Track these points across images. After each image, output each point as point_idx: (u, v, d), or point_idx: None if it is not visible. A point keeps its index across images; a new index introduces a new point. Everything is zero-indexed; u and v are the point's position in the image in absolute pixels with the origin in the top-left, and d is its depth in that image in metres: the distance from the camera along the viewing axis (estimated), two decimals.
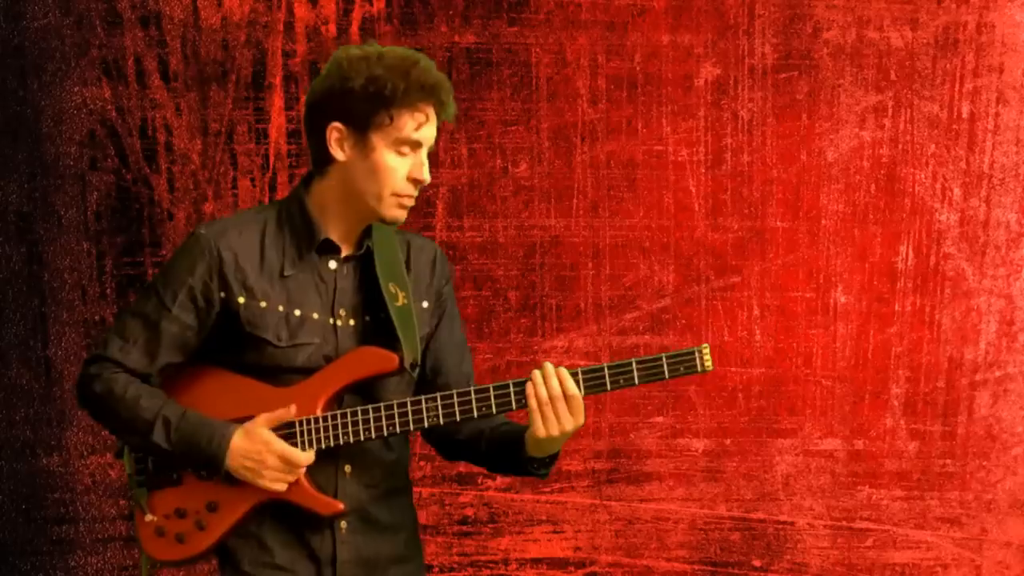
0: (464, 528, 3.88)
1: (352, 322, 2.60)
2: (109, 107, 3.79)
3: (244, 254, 2.57)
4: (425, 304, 2.67)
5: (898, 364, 3.85)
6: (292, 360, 2.57)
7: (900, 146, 3.83)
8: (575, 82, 3.82)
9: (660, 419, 3.87)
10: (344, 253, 2.61)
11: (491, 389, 2.53)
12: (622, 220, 3.83)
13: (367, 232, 2.62)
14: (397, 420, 2.54)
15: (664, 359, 2.49)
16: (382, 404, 2.55)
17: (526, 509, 3.88)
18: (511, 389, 2.52)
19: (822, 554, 3.88)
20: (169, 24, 3.78)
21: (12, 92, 3.77)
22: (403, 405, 2.54)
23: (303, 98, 3.78)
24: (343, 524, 2.60)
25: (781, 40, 3.81)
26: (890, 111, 3.82)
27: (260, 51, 3.81)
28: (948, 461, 3.87)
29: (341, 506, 2.55)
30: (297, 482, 2.54)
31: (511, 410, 2.52)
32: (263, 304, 2.56)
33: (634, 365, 2.49)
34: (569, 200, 3.84)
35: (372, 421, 2.54)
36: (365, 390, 2.59)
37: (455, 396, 2.54)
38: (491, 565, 3.88)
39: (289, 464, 2.52)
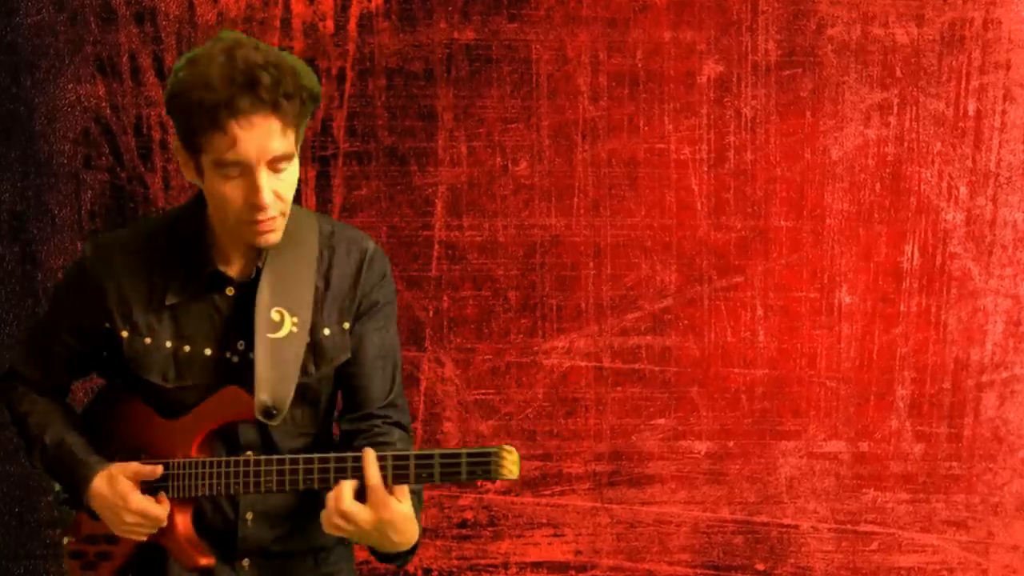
0: (463, 532, 3.87)
1: (251, 355, 2.38)
2: (103, 104, 3.78)
3: (129, 282, 2.39)
4: (346, 325, 2.44)
5: (903, 365, 3.85)
6: (183, 400, 2.41)
7: (905, 144, 3.82)
8: (576, 79, 3.81)
9: (662, 421, 3.86)
10: (239, 278, 2.39)
11: (300, 462, 2.32)
12: (623, 219, 3.82)
13: (260, 254, 2.38)
14: (241, 480, 2.37)
15: (463, 456, 2.26)
16: (264, 458, 2.35)
17: (526, 512, 3.87)
18: (315, 468, 2.31)
19: (826, 558, 3.88)
20: (164, 20, 3.77)
21: (5, 89, 3.77)
22: (246, 464, 2.36)
23: None
24: (245, 562, 2.49)
25: (785, 36, 3.81)
26: (895, 108, 3.82)
27: None
28: (954, 463, 3.86)
29: (209, 561, 2.42)
30: (171, 527, 2.43)
31: (328, 489, 2.32)
32: (147, 340, 2.39)
33: (436, 459, 2.25)
34: (570, 199, 3.83)
35: (241, 475, 2.37)
36: (258, 430, 2.43)
37: (287, 463, 2.34)
38: (491, 569, 3.87)
39: (149, 519, 2.40)
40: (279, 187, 2.25)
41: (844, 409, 3.85)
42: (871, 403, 3.85)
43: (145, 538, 2.43)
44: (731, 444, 3.86)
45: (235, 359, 2.40)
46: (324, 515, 2.28)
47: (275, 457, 2.35)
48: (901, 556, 3.87)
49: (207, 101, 2.16)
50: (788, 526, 3.87)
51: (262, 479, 2.34)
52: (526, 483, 3.84)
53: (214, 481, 2.38)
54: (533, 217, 3.82)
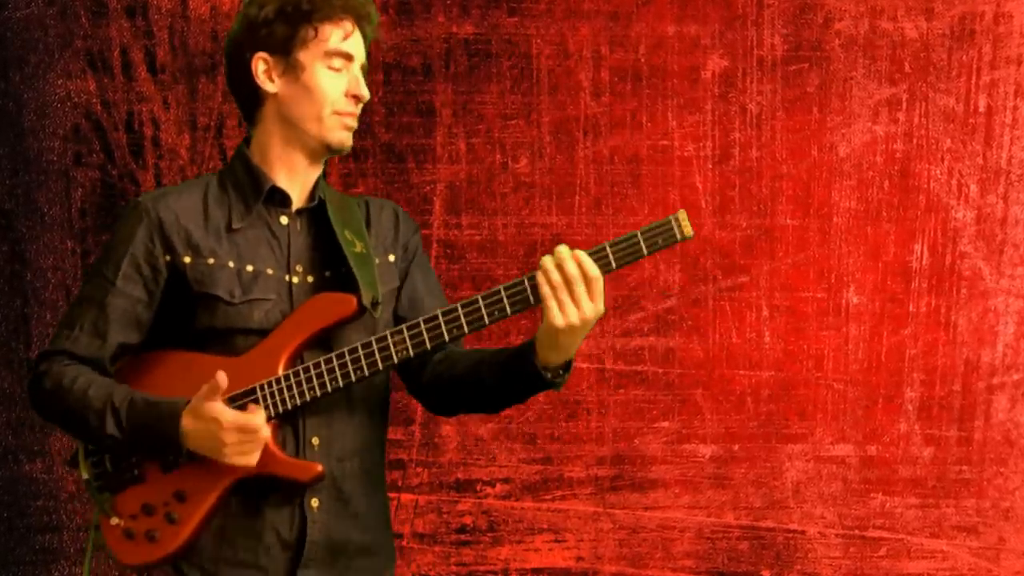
0: (462, 537, 3.85)
1: (310, 279, 2.52)
2: (94, 100, 3.78)
3: (186, 213, 2.50)
4: (391, 257, 2.60)
5: (912, 367, 3.83)
6: (247, 319, 2.47)
7: (914, 141, 3.81)
8: (577, 74, 3.81)
9: (666, 424, 3.84)
10: (296, 206, 2.54)
11: (480, 299, 2.40)
12: (626, 217, 3.82)
13: (318, 183, 2.56)
14: (364, 361, 2.43)
15: (639, 235, 2.38)
16: (345, 349, 2.44)
17: (526, 517, 3.85)
18: (503, 294, 2.39)
19: (833, 564, 3.86)
20: (156, 14, 3.78)
21: None
22: (368, 345, 2.43)
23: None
24: (314, 502, 2.48)
25: (791, 31, 3.80)
26: (904, 104, 3.81)
27: None
28: (964, 467, 3.85)
29: (320, 467, 2.44)
30: (268, 452, 2.42)
31: (484, 325, 2.39)
32: (211, 261, 2.48)
33: (608, 249, 2.36)
34: (571, 197, 3.82)
35: (338, 368, 2.43)
36: (328, 345, 2.48)
37: (421, 323, 2.41)
38: (490, 575, 3.85)
39: (248, 432, 2.38)
40: (366, 91, 2.53)
41: (852, 412, 3.84)
42: (879, 406, 3.84)
43: (255, 456, 2.39)
44: (736, 447, 3.85)
45: (295, 279, 2.50)
46: (542, 278, 2.35)
47: (405, 325, 2.43)
48: (910, 562, 3.86)
49: None
50: (794, 531, 3.86)
51: (392, 350, 2.41)
52: (526, 487, 3.84)
53: (333, 375, 2.43)
54: (533, 216, 3.82)
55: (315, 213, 2.54)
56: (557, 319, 2.34)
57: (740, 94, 3.80)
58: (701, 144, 3.81)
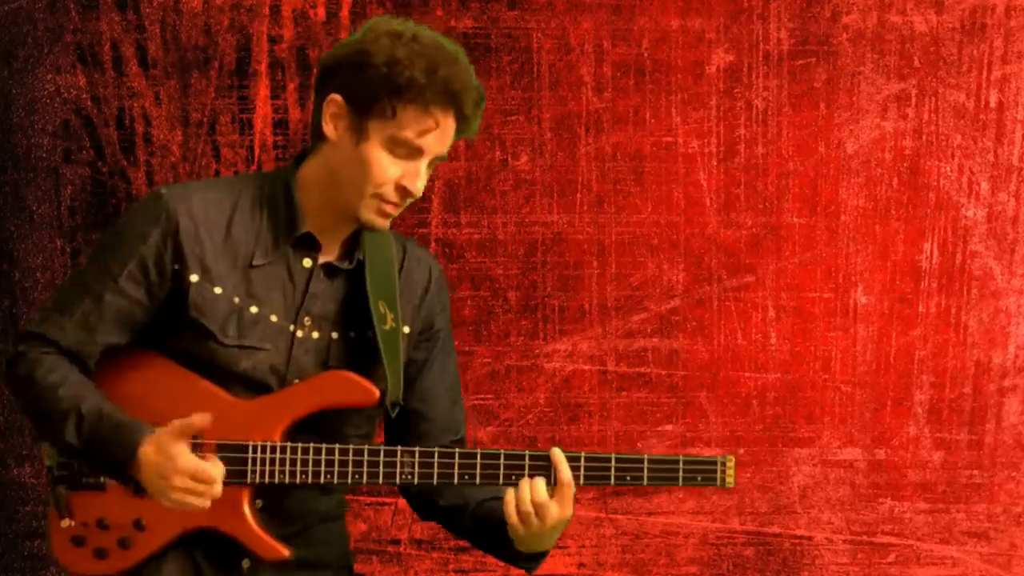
0: (461, 543, 3.70)
1: (316, 335, 2.38)
2: (84, 96, 3.76)
3: (207, 226, 2.34)
4: (407, 329, 2.44)
5: (922, 369, 3.82)
6: (234, 364, 2.34)
7: (924, 137, 3.80)
8: (579, 69, 3.79)
9: (669, 427, 3.83)
10: (325, 256, 2.39)
11: (478, 456, 2.32)
12: (629, 216, 3.81)
13: (355, 239, 2.40)
14: (366, 469, 2.33)
15: (681, 463, 2.36)
16: (351, 448, 2.33)
17: None
18: (501, 463, 2.32)
19: (841, 570, 3.84)
20: (148, 8, 3.76)
21: None
22: (375, 453, 2.33)
23: (290, 86, 3.75)
24: (245, 563, 2.37)
25: (798, 24, 3.79)
26: (913, 100, 3.80)
27: (244, 36, 3.78)
28: (975, 472, 3.83)
29: (287, 552, 2.34)
30: (241, 515, 2.33)
31: (497, 485, 2.34)
32: (217, 290, 2.33)
33: (645, 463, 2.34)
34: (572, 195, 3.81)
35: (338, 465, 2.32)
36: (320, 421, 2.36)
37: (436, 456, 2.33)
38: None
39: (200, 481, 2.27)
40: (423, 187, 2.36)
41: (860, 415, 3.83)
42: (888, 408, 3.83)
43: (198, 507, 2.28)
44: (742, 451, 3.83)
45: (300, 333, 2.37)
46: (510, 503, 2.31)
47: (420, 449, 2.35)
48: (919, 569, 3.84)
49: (434, 84, 2.27)
50: (801, 537, 3.85)
51: (397, 470, 2.33)
52: None
53: (331, 469, 2.33)
54: (534, 214, 3.81)
55: (352, 273, 2.40)
56: (519, 529, 2.32)
57: (746, 89, 3.79)
58: (706, 140, 3.80)
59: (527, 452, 2.33)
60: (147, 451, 2.27)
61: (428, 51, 2.30)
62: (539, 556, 2.42)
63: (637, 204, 3.80)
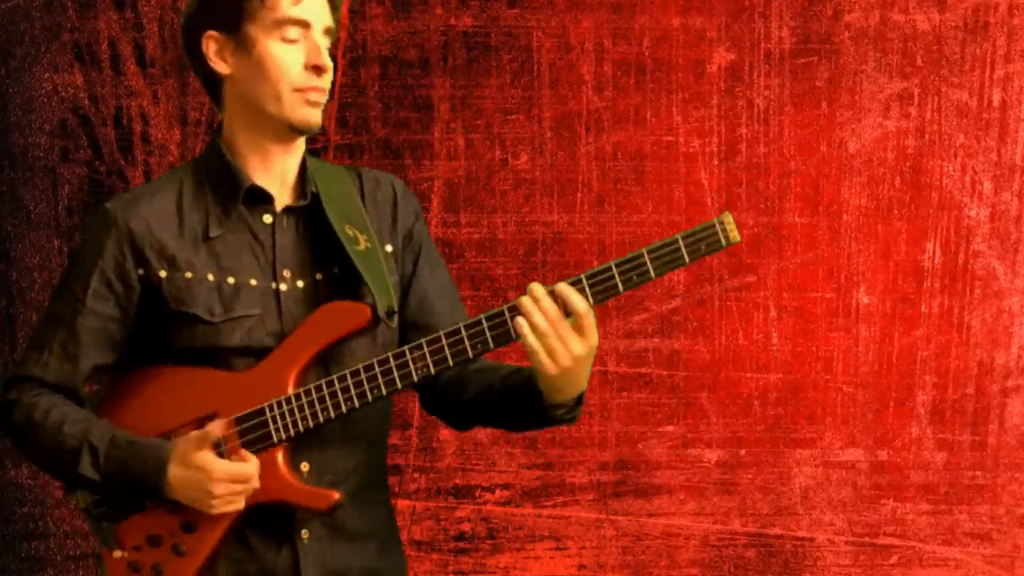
0: (461, 545, 3.83)
1: (300, 283, 2.36)
2: (82, 95, 3.76)
3: (159, 222, 2.34)
4: (389, 248, 2.43)
5: (924, 369, 3.81)
6: (228, 338, 2.32)
7: (926, 136, 3.80)
8: (579, 68, 3.79)
9: (670, 428, 3.83)
10: (281, 202, 2.37)
11: (483, 320, 2.25)
12: (629, 215, 3.81)
13: (304, 175, 2.38)
14: (381, 380, 2.28)
15: (680, 240, 2.19)
16: (361, 366, 2.29)
17: (527, 524, 3.84)
18: (507, 317, 2.24)
19: (843, 572, 3.84)
20: (145, 6, 3.76)
21: None
22: (384, 362, 2.28)
23: None
24: (304, 532, 2.35)
25: (799, 23, 3.78)
26: (916, 99, 3.79)
27: None
28: (978, 473, 3.83)
29: (337, 495, 2.31)
30: (282, 478, 2.31)
31: (512, 340, 2.27)
32: (188, 275, 2.32)
33: (646, 255, 2.20)
34: (573, 194, 3.81)
35: (353, 387, 2.28)
36: (335, 363, 2.34)
37: (443, 338, 2.27)
38: None
39: (240, 481, 2.27)
40: (330, 61, 2.34)
41: (862, 416, 3.82)
42: (890, 409, 3.82)
43: (242, 505, 2.27)
44: (743, 452, 3.83)
45: (283, 287, 2.36)
46: (528, 335, 2.22)
47: (426, 339, 2.29)
48: (922, 570, 3.84)
49: None
50: (803, 539, 3.85)
51: (411, 367, 2.27)
52: (526, 494, 3.82)
53: (348, 395, 2.30)
54: (534, 213, 3.81)
55: (310, 210, 2.37)
56: (548, 367, 2.23)
57: (747, 88, 3.79)
58: (707, 140, 3.80)
59: (489, 313, 2.27)
60: (175, 469, 2.27)
61: None
62: (577, 402, 2.33)
63: (638, 204, 3.80)
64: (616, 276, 2.21)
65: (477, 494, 3.82)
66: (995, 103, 3.78)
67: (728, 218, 2.20)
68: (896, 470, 3.82)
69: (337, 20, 2.38)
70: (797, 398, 3.81)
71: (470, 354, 2.26)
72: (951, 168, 3.79)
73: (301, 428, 2.30)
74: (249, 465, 2.27)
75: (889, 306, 3.81)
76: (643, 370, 3.80)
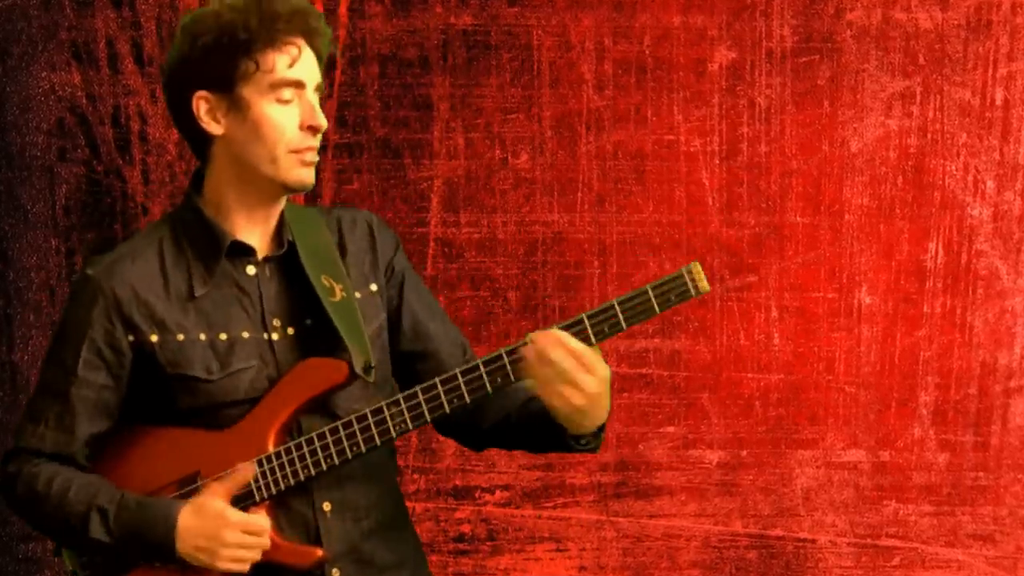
0: (461, 546, 3.83)
1: (291, 331, 2.36)
2: (79, 94, 3.76)
3: (144, 285, 2.33)
4: (373, 287, 2.43)
5: (927, 370, 3.81)
6: (232, 392, 2.32)
7: (929, 136, 3.79)
8: (580, 67, 3.79)
9: (671, 429, 3.82)
10: (261, 253, 2.37)
11: (481, 365, 2.26)
12: (630, 215, 3.80)
13: (282, 224, 2.38)
14: (375, 431, 2.29)
15: (650, 290, 2.25)
16: (340, 423, 2.30)
17: (527, 526, 3.83)
18: (506, 360, 2.25)
19: (845, 574, 3.83)
20: (143, 4, 3.76)
21: None
22: (362, 418, 2.30)
23: None
24: (335, 572, 2.35)
25: (801, 22, 3.78)
26: (918, 98, 3.78)
27: None
28: (981, 474, 3.82)
29: (320, 552, 2.31)
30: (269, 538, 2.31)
31: (511, 384, 2.29)
32: (180, 337, 2.32)
33: (616, 307, 2.25)
34: (573, 194, 3.80)
35: (333, 444, 2.29)
36: (325, 409, 2.34)
37: (419, 393, 2.28)
38: None
39: (252, 534, 2.27)
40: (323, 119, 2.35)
41: (864, 416, 3.82)
42: (892, 410, 3.82)
43: (247, 566, 2.27)
44: (744, 453, 3.83)
45: (275, 336, 2.36)
46: (537, 387, 2.25)
47: (403, 394, 2.30)
48: (924, 572, 3.84)
49: (268, 18, 2.29)
50: (804, 540, 3.84)
51: (390, 424, 2.29)
52: (527, 495, 3.82)
53: (327, 452, 2.30)
54: (534, 213, 3.80)
55: (286, 259, 2.37)
56: (564, 407, 2.26)
57: (748, 87, 3.78)
58: (708, 139, 3.79)
59: (483, 360, 2.28)
60: (186, 519, 2.27)
61: (244, 2, 2.31)
62: (599, 432, 2.35)
63: (638, 203, 3.80)
64: (588, 328, 2.27)
65: (477, 495, 3.82)
66: (998, 102, 3.77)
67: (696, 268, 2.23)
68: (898, 471, 3.81)
69: (324, 76, 2.38)
70: (799, 399, 3.81)
71: (467, 400, 2.28)
72: (954, 167, 3.78)
73: (283, 487, 2.30)
74: (262, 519, 2.28)
75: (891, 306, 3.80)
76: (644, 370, 3.79)
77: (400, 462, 3.75)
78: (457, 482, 3.81)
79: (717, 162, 3.79)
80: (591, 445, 2.35)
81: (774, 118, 3.78)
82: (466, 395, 2.27)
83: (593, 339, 2.27)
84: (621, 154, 3.79)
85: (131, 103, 3.74)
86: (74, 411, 2.34)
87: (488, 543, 3.83)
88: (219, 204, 2.35)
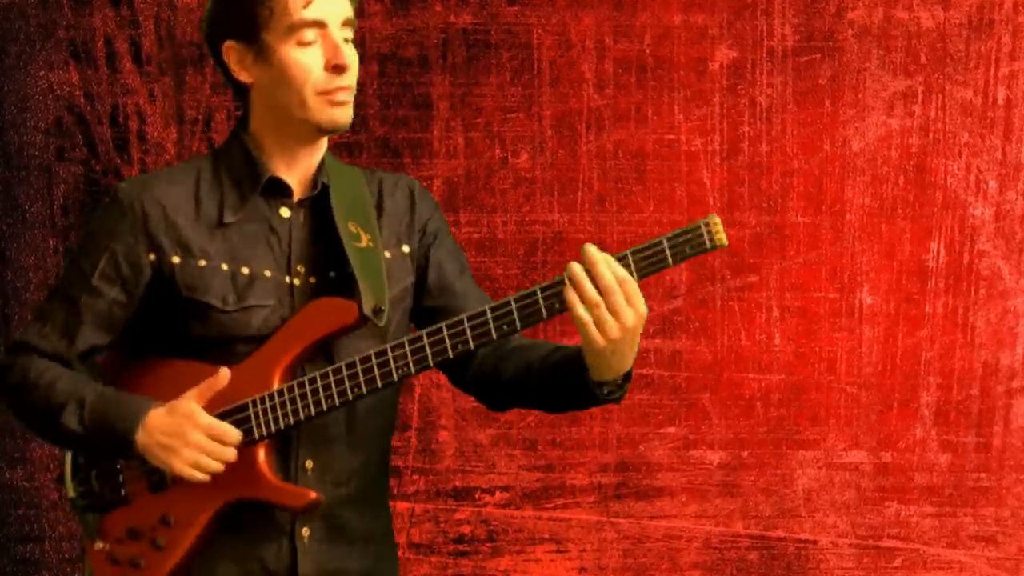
0: (460, 547, 3.83)
1: (312, 280, 2.35)
2: (77, 93, 3.76)
3: (175, 206, 2.33)
4: (406, 248, 2.42)
5: (929, 370, 3.81)
6: (244, 327, 2.31)
7: (931, 135, 3.79)
8: (580, 66, 3.79)
9: (672, 429, 3.82)
10: (298, 195, 2.37)
11: (512, 302, 2.22)
12: (630, 215, 3.80)
13: (321, 169, 2.38)
14: (378, 372, 2.27)
15: (664, 241, 2.15)
16: (344, 363, 2.28)
17: (527, 527, 3.83)
18: (539, 295, 2.20)
19: (846, 575, 3.83)
20: (142, 3, 3.76)
21: None
22: (366, 359, 2.27)
23: None
24: (305, 531, 2.34)
25: (802, 20, 3.78)
26: (920, 97, 3.78)
27: None
28: (983, 475, 3.82)
29: (314, 495, 2.29)
30: (258, 475, 2.30)
31: (541, 320, 2.22)
32: (202, 263, 2.32)
33: (630, 257, 2.16)
34: (573, 193, 3.80)
35: (335, 385, 2.27)
36: (331, 356, 2.33)
37: (444, 329, 2.24)
38: None
39: (217, 440, 2.25)
40: (352, 56, 2.32)
41: (865, 417, 3.81)
42: (894, 411, 3.82)
43: (204, 475, 2.25)
44: (745, 454, 3.82)
45: (297, 281, 2.36)
46: (576, 305, 2.17)
47: (408, 336, 2.27)
48: (926, 573, 3.83)
49: None
50: (806, 541, 3.84)
51: (392, 367, 2.26)
52: (527, 496, 3.82)
53: (328, 393, 2.28)
54: (534, 213, 3.80)
55: (318, 202, 2.38)
56: (598, 340, 2.18)
57: (749, 86, 3.78)
58: (709, 138, 3.79)
59: (537, 288, 2.22)
60: (156, 416, 2.26)
61: None
62: (624, 380, 2.28)
63: (639, 203, 3.80)
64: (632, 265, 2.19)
65: (477, 496, 3.81)
66: (1000, 101, 3.77)
67: (715, 219, 2.15)
68: (900, 472, 3.81)
69: (357, 6, 2.37)
70: (800, 399, 3.81)
71: (493, 336, 2.23)
72: (955, 167, 3.78)
73: (283, 425, 2.29)
74: (233, 429, 2.26)
75: (893, 306, 3.80)
76: (644, 371, 3.79)
77: (400, 463, 3.76)
78: (457, 483, 3.80)
79: (718, 161, 3.79)
80: (615, 395, 2.27)
81: (775, 117, 3.78)
82: (471, 340, 2.23)
83: (637, 275, 2.18)
84: (622, 153, 3.79)
85: (129, 102, 3.75)
86: (80, 319, 2.34)
87: (488, 544, 3.82)
88: (260, 146, 2.36)
